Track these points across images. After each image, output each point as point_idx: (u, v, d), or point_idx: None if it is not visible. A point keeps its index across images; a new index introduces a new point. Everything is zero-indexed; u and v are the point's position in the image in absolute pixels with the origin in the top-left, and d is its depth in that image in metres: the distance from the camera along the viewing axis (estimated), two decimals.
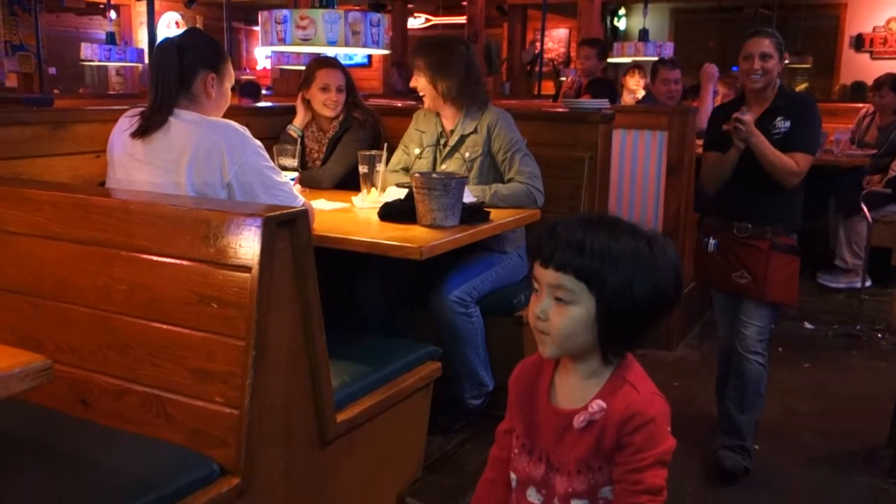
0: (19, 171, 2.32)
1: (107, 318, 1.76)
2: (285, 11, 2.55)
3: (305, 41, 2.64)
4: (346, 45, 2.67)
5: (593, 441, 1.24)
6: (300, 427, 1.81)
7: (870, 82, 5.75)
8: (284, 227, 1.65)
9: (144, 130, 2.14)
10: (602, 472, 1.25)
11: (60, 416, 1.76)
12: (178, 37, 2.27)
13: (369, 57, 11.15)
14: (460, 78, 2.83)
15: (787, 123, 2.63)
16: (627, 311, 1.20)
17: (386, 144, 2.91)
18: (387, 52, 2.70)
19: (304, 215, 1.70)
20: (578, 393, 1.28)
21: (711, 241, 2.75)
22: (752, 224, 2.63)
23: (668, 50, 5.80)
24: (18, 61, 8.99)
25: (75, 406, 1.79)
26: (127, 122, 2.20)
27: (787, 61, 2.71)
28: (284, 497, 1.78)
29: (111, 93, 10.19)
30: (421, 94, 2.88)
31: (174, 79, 2.16)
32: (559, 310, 1.22)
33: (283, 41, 2.55)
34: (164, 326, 1.69)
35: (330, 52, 3.12)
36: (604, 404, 1.24)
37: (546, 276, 1.22)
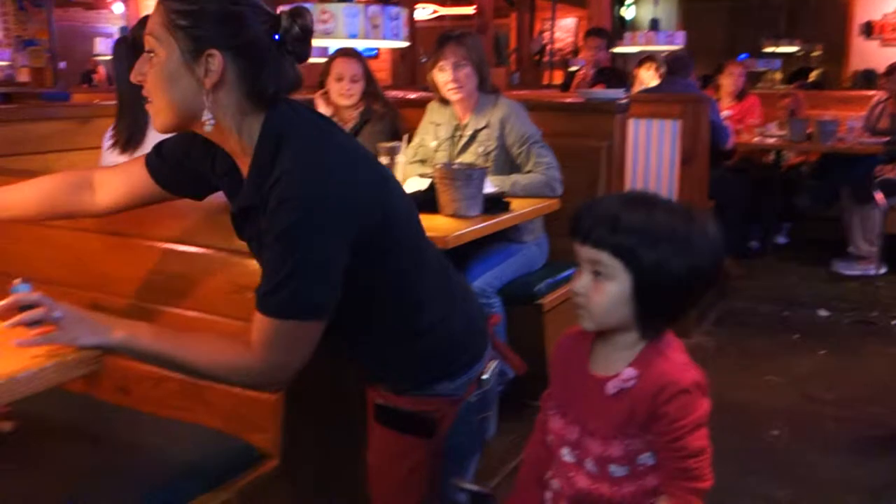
0: (49, 166, 2.36)
1: (144, 309, 1.80)
2: (306, 6, 2.58)
3: (326, 35, 2.67)
4: (367, 37, 2.70)
5: (625, 409, 1.26)
6: (336, 407, 1.84)
7: (879, 69, 5.75)
8: None
9: (127, 142, 2.16)
10: (638, 438, 1.26)
11: (101, 404, 1.80)
12: (132, 30, 2.26)
13: (376, 48, 11.15)
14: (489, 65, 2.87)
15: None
16: (664, 288, 1.22)
17: (406, 136, 2.94)
18: (406, 44, 2.73)
19: None
20: (614, 361, 1.30)
21: None
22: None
23: (679, 39, 5.80)
24: (29, 56, 9.04)
25: (114, 394, 1.83)
26: (108, 142, 2.22)
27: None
28: (320, 476, 1.82)
29: None
30: (457, 87, 2.81)
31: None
32: (596, 286, 1.25)
33: None
34: (202, 315, 1.72)
35: (348, 44, 3.14)
36: (635, 373, 1.26)
37: (584, 252, 1.25)
